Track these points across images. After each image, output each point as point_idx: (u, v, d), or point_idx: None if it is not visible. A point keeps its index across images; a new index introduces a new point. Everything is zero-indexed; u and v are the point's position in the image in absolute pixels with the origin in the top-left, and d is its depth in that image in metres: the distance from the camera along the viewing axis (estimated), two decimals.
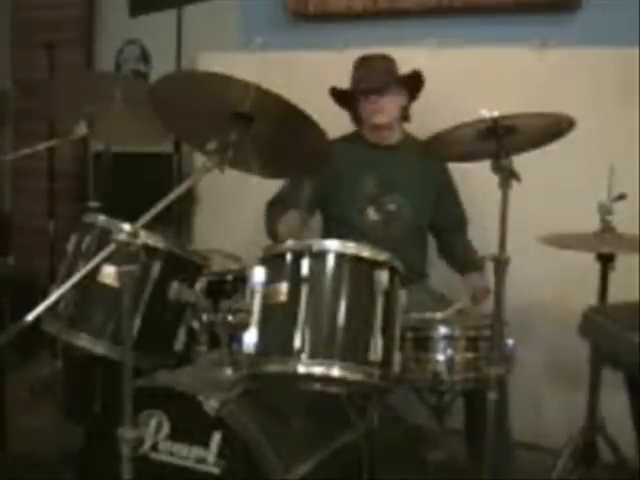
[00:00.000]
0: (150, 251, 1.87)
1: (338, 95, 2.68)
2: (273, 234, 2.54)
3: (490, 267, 1.91)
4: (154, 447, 1.83)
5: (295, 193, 2.54)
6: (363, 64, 2.64)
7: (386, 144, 2.68)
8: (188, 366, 2.01)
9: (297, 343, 1.69)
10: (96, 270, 1.77)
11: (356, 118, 2.71)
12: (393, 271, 1.82)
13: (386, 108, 2.60)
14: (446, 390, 2.07)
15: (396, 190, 2.62)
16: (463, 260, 2.70)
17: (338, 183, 2.61)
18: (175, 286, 1.94)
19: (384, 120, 2.61)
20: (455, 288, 2.67)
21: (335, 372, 1.71)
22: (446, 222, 2.77)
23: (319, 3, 3.21)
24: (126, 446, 1.61)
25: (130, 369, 1.60)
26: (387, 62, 2.65)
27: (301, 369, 1.70)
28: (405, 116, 2.70)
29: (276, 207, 2.64)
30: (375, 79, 2.58)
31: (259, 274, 1.80)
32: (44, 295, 1.54)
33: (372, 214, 2.63)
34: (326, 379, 1.75)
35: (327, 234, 2.66)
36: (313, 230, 2.75)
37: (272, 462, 1.74)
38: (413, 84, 2.65)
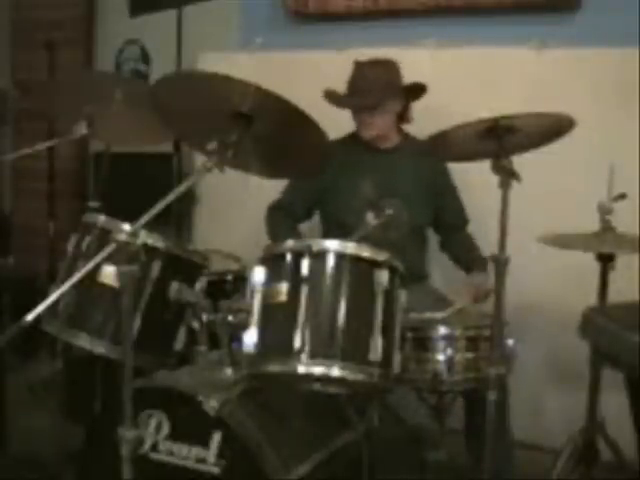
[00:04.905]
0: (150, 251, 1.87)
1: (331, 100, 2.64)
2: (275, 239, 2.55)
3: (490, 267, 1.91)
4: (154, 447, 1.83)
5: (296, 200, 2.63)
6: (359, 73, 2.58)
7: (384, 147, 2.67)
8: (188, 366, 2.00)
9: (297, 343, 1.69)
10: (96, 270, 1.77)
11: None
12: (393, 271, 1.82)
13: (376, 124, 2.58)
14: (446, 390, 2.07)
15: (394, 194, 2.58)
16: (466, 258, 2.69)
17: (336, 185, 2.60)
18: (175, 286, 1.93)
19: (373, 135, 2.61)
20: (455, 288, 2.67)
21: (335, 372, 1.71)
22: (447, 221, 2.76)
23: (319, 3, 3.22)
24: (126, 446, 1.61)
25: (130, 369, 1.60)
26: (386, 70, 2.58)
27: (301, 369, 1.70)
28: (405, 118, 2.68)
29: (278, 213, 2.68)
30: (365, 97, 2.53)
31: (259, 274, 1.79)
32: (44, 295, 1.54)
33: (371, 219, 2.61)
34: (326, 379, 1.75)
35: (325, 235, 2.65)
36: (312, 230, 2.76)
37: (272, 462, 1.74)
38: (413, 91, 2.63)
